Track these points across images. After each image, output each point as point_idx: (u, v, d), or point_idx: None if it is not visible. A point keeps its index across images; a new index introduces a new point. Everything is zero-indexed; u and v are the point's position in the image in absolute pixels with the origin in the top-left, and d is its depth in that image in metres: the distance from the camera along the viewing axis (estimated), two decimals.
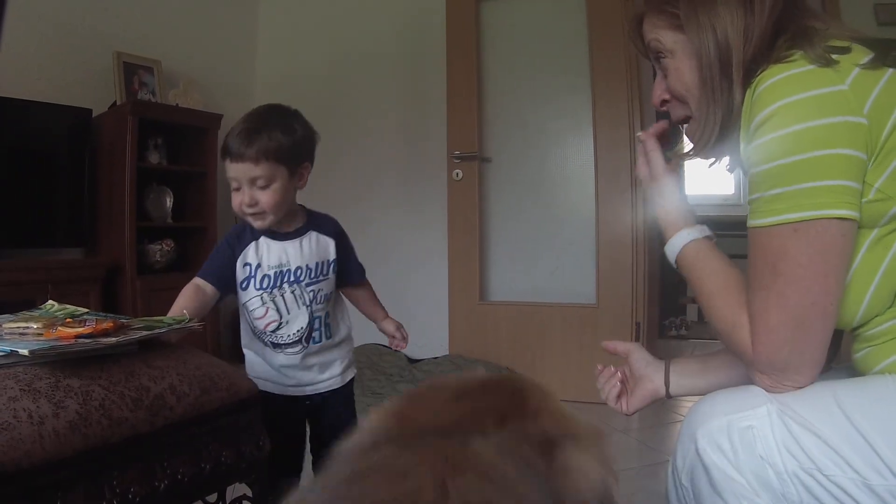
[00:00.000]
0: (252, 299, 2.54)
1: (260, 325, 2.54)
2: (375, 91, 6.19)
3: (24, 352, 1.53)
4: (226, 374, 1.95)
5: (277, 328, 2.55)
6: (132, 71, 5.46)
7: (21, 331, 1.78)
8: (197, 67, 6.29)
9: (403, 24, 6.06)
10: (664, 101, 1.65)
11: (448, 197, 5.33)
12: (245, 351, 2.63)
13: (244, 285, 2.54)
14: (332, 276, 2.70)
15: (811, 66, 1.26)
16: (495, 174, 5.30)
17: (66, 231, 5.01)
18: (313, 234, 2.72)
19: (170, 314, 2.25)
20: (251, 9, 7.10)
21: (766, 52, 1.38)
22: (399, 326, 2.92)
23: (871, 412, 1.24)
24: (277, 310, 2.55)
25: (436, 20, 5.55)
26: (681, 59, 1.53)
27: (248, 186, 2.45)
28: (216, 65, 6.62)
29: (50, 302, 2.28)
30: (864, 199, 1.27)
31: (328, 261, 2.71)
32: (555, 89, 5.19)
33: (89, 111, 5.04)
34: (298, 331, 2.57)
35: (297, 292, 2.59)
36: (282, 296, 2.56)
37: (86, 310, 2.20)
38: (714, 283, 1.49)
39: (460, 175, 5.22)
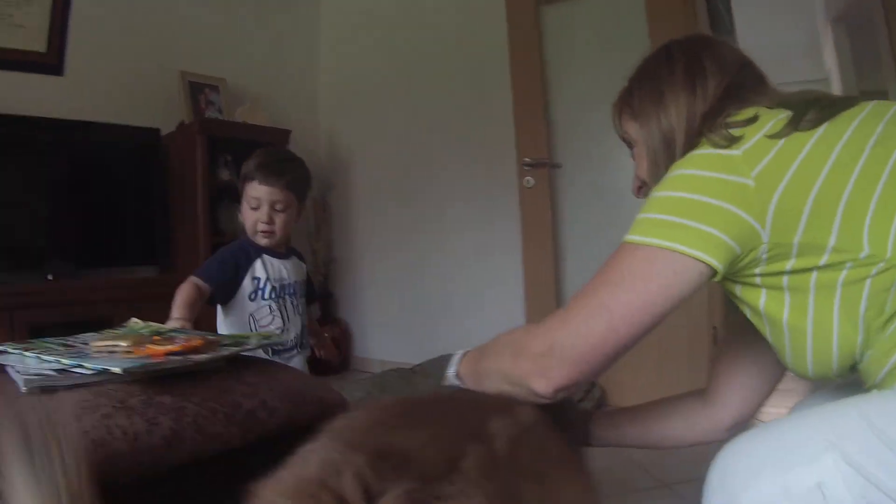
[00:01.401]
0: (261, 308, 2.92)
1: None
2: (442, 100, 6.15)
3: (118, 370, 1.52)
4: (315, 387, 1.95)
5: (283, 335, 2.93)
6: (198, 90, 5.52)
7: (110, 349, 1.78)
8: (262, 84, 6.35)
9: (464, 31, 6.01)
10: (640, 188, 1.78)
11: (520, 204, 5.26)
12: None
13: (252, 297, 2.90)
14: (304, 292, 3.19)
15: (711, 150, 1.36)
16: (567, 180, 5.23)
17: (140, 249, 5.09)
18: (294, 258, 3.21)
19: (173, 308, 2.59)
20: (312, 23, 7.15)
21: (704, 129, 1.45)
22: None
23: None
24: (282, 317, 2.97)
25: (496, 25, 5.50)
26: (640, 148, 1.67)
27: (268, 208, 2.93)
28: (280, 81, 6.67)
29: (134, 320, 2.30)
30: (789, 263, 1.30)
31: (304, 280, 3.23)
32: (618, 92, 5.07)
33: (157, 131, 5.13)
34: (295, 336, 3.01)
35: (294, 303, 3.07)
36: (285, 305, 3.00)
37: (171, 327, 2.21)
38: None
39: (532, 182, 5.15)
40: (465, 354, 1.67)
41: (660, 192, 1.36)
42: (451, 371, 1.64)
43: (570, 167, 5.23)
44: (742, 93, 1.48)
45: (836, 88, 9.09)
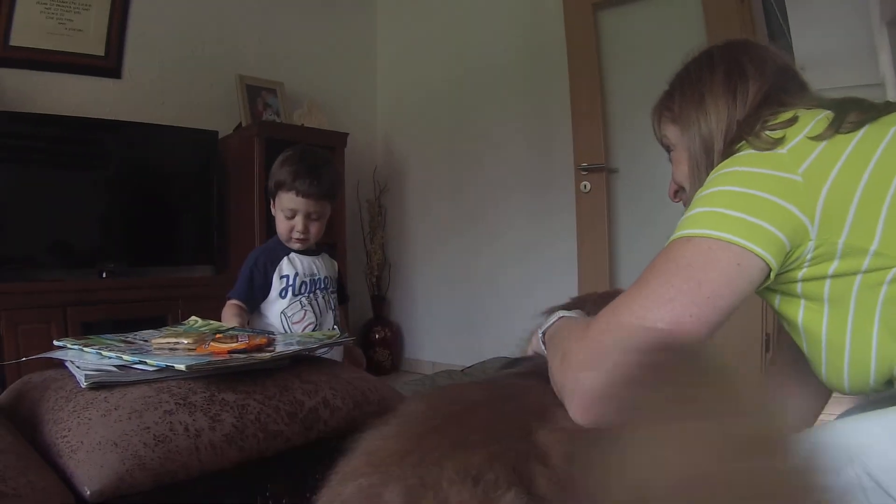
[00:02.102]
0: (291, 305, 2.94)
1: (298, 328, 2.92)
2: (498, 103, 6.14)
3: (182, 367, 1.52)
4: (376, 388, 1.95)
5: (313, 330, 2.93)
6: (255, 93, 5.54)
7: (171, 346, 1.79)
8: (319, 87, 6.38)
9: (522, 34, 5.99)
10: (676, 192, 1.75)
11: (577, 209, 5.21)
12: None
13: (283, 294, 2.95)
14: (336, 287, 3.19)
15: (756, 151, 1.30)
16: (623, 185, 5.20)
17: (197, 249, 5.13)
18: (325, 255, 3.20)
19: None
20: (370, 26, 7.18)
21: (746, 128, 1.40)
22: None
23: None
24: (314, 312, 3.00)
25: (554, 29, 5.47)
26: (679, 152, 1.63)
27: (303, 217, 2.93)
28: (338, 84, 6.70)
29: (193, 318, 2.31)
30: (832, 266, 1.23)
31: (335, 277, 3.20)
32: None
33: (215, 133, 5.15)
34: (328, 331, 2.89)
35: (325, 297, 3.07)
36: (316, 300, 3.02)
37: (231, 325, 2.21)
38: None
39: (588, 187, 5.12)
40: (563, 317, 1.49)
41: (708, 189, 1.29)
42: (542, 328, 1.49)
43: (627, 171, 5.19)
44: (782, 97, 1.44)
45: (891, 93, 8.97)
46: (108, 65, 4.90)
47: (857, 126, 1.26)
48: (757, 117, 1.38)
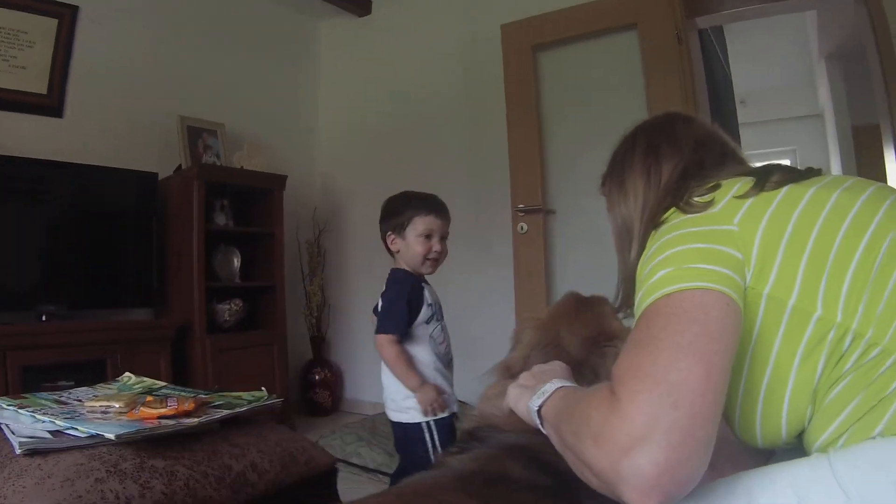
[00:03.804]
0: (435, 329, 3.22)
1: (441, 349, 3.22)
2: (437, 144, 6.23)
3: (111, 436, 1.56)
4: (304, 448, 1.98)
5: (447, 348, 3.28)
6: (196, 134, 5.55)
7: (103, 409, 1.83)
8: (260, 128, 6.41)
9: (463, 74, 6.10)
10: None
11: (514, 250, 5.30)
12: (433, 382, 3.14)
13: (428, 321, 3.20)
14: None
15: (687, 216, 1.36)
16: (560, 226, 5.26)
17: (136, 292, 5.09)
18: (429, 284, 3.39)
19: (407, 378, 3.03)
20: (312, 70, 7.25)
21: (666, 204, 1.47)
22: None
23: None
24: (444, 333, 3.28)
25: (495, 70, 5.57)
26: (612, 225, 1.72)
27: (438, 237, 3.25)
28: (280, 126, 6.74)
29: (127, 374, 2.33)
30: (758, 318, 1.24)
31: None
32: (615, 137, 5.03)
33: (155, 175, 5.15)
34: (448, 351, 3.31)
35: (444, 322, 3.34)
36: (443, 324, 3.31)
37: (163, 384, 2.25)
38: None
39: (525, 228, 5.18)
40: (559, 389, 1.40)
41: (660, 256, 1.27)
42: (535, 403, 1.40)
43: (564, 213, 5.26)
44: (702, 171, 1.52)
45: (830, 123, 9.19)
46: (50, 103, 4.87)
47: (780, 185, 1.34)
48: (685, 188, 1.45)
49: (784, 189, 1.33)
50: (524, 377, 1.59)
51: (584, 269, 5.02)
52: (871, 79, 4.92)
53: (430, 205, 3.30)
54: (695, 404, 1.02)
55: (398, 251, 3.32)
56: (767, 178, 1.36)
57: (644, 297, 1.23)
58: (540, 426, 1.39)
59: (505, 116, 5.47)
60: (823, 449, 1.21)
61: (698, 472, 1.03)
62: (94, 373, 4.11)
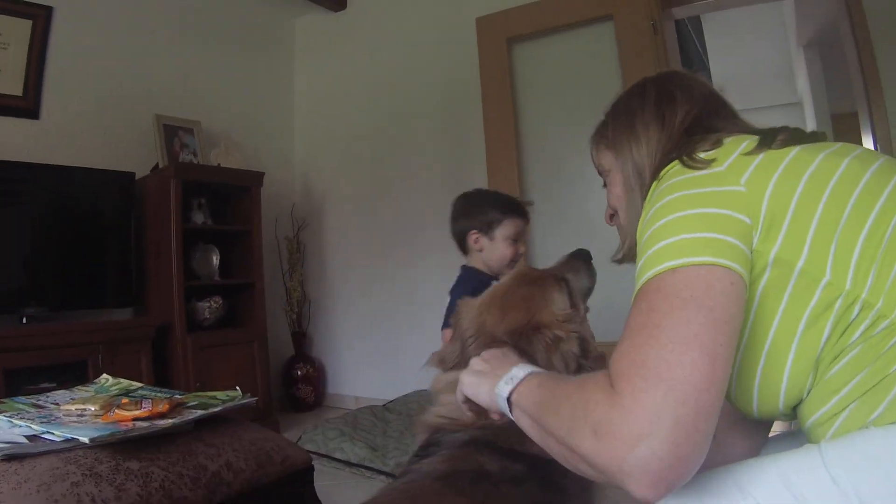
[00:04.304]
0: None
1: None
2: (415, 138, 6.25)
3: (85, 439, 1.57)
4: (280, 447, 1.99)
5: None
6: (173, 133, 5.54)
7: (79, 413, 1.83)
8: (237, 125, 6.41)
9: (440, 70, 6.11)
10: (612, 216, 1.77)
11: None
12: None
13: None
14: None
15: (693, 173, 1.31)
16: (537, 219, 5.26)
17: (116, 292, 5.08)
18: None
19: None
20: (288, 66, 7.25)
21: (674, 153, 1.43)
22: None
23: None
24: None
25: (472, 64, 5.60)
26: (614, 176, 1.66)
27: (522, 241, 3.25)
28: (256, 121, 6.73)
29: (104, 376, 2.33)
30: (763, 279, 1.21)
31: None
32: (591, 129, 5.01)
33: (132, 174, 5.14)
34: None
35: None
36: None
37: (140, 385, 2.25)
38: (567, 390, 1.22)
39: None
40: (530, 375, 1.35)
41: (662, 220, 1.23)
42: (503, 389, 1.34)
43: (542, 203, 5.27)
44: (712, 121, 1.51)
45: (808, 112, 9.20)
46: (26, 105, 4.84)
47: (787, 144, 1.31)
48: (688, 141, 1.43)
49: (793, 151, 1.29)
50: (476, 363, 1.53)
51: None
52: (849, 67, 4.95)
53: (521, 209, 3.29)
54: (699, 400, 1.01)
55: (481, 250, 3.30)
56: (774, 137, 1.33)
57: (645, 268, 1.20)
58: (508, 413, 1.35)
59: (482, 109, 5.47)
60: (819, 425, 1.21)
61: (700, 462, 1.03)
62: (76, 374, 4.13)
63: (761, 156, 1.28)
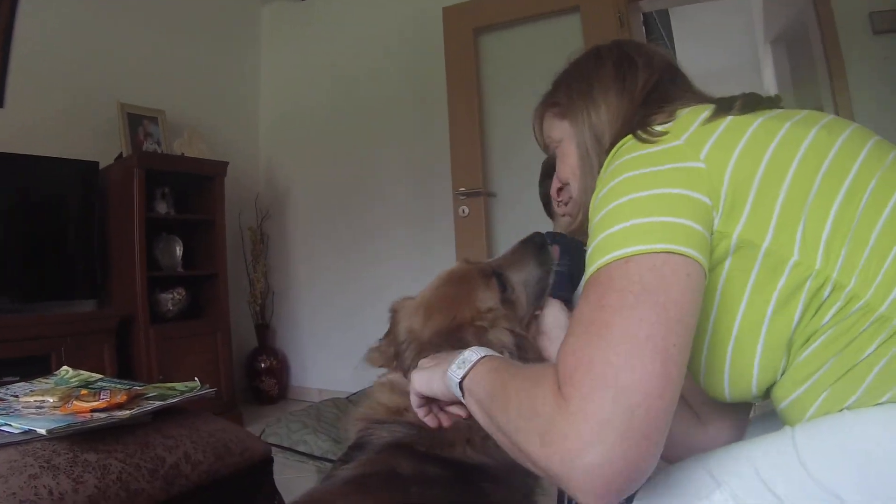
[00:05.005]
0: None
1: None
2: (380, 129, 6.26)
3: (43, 431, 1.56)
4: (239, 438, 1.99)
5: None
6: (137, 122, 5.50)
7: (38, 404, 1.82)
8: (201, 115, 6.37)
9: (406, 60, 6.13)
10: (560, 190, 1.72)
11: (455, 233, 5.35)
12: None
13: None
14: None
15: (650, 148, 1.24)
16: (501, 209, 5.29)
17: (80, 284, 5.05)
18: None
19: None
20: (254, 55, 7.23)
21: (633, 124, 1.35)
22: None
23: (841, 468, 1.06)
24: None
25: (438, 55, 5.60)
26: (567, 145, 1.59)
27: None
28: (220, 110, 6.71)
29: (65, 368, 2.32)
30: (727, 262, 1.17)
31: None
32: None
33: (96, 164, 5.10)
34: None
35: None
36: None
37: (99, 376, 2.24)
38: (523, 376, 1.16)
39: (466, 211, 5.21)
40: (485, 358, 1.28)
41: (616, 201, 1.16)
42: (456, 374, 1.27)
43: (505, 195, 5.32)
44: (669, 90, 1.45)
45: None
46: None
47: (746, 110, 1.26)
48: (643, 114, 1.37)
49: (757, 121, 1.23)
50: (424, 362, 1.43)
51: None
52: (815, 63, 4.98)
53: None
54: (650, 407, 0.95)
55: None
56: (731, 105, 1.28)
57: (595, 255, 1.13)
58: (461, 398, 1.28)
59: (447, 99, 5.49)
60: (792, 408, 1.18)
61: (651, 469, 0.97)
62: (38, 367, 4.03)
63: (723, 125, 1.23)
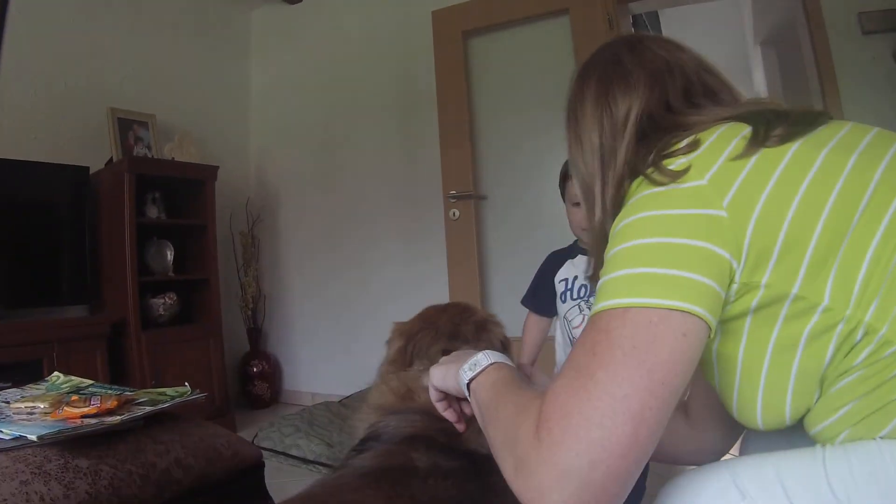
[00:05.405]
0: (571, 309, 2.92)
1: (577, 333, 2.86)
2: (371, 132, 6.26)
3: (33, 437, 1.56)
4: (230, 442, 1.99)
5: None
6: (127, 126, 5.48)
7: (28, 411, 1.82)
8: (191, 120, 6.36)
9: (396, 64, 6.13)
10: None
11: (446, 236, 5.34)
12: None
13: (563, 298, 2.96)
14: None
15: (669, 186, 1.15)
16: (492, 212, 5.29)
17: (71, 289, 5.02)
18: None
19: (523, 348, 2.94)
20: (243, 59, 7.22)
21: (638, 169, 1.25)
22: None
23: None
24: (583, 315, 2.92)
25: (427, 59, 5.61)
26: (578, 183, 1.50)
27: None
28: (210, 116, 6.69)
29: (56, 374, 2.31)
30: (754, 302, 1.12)
31: None
32: (546, 123, 5.00)
33: (86, 169, 5.07)
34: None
35: (588, 302, 2.91)
36: (583, 304, 2.93)
37: (91, 382, 2.24)
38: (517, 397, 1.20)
39: (457, 214, 5.21)
40: (493, 365, 1.33)
41: (624, 244, 1.12)
42: (466, 375, 1.34)
43: (496, 198, 5.32)
44: (671, 116, 1.33)
45: None
46: None
47: (786, 140, 1.16)
48: (647, 147, 1.27)
49: (789, 153, 1.14)
50: (444, 359, 1.49)
51: (516, 255, 5.07)
52: (805, 64, 4.99)
53: None
54: (612, 466, 0.96)
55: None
56: (769, 132, 1.17)
57: (601, 294, 1.11)
58: (468, 397, 1.35)
59: (436, 102, 5.49)
60: (824, 434, 1.16)
61: None
62: (30, 373, 4.01)
63: (751, 162, 1.13)
